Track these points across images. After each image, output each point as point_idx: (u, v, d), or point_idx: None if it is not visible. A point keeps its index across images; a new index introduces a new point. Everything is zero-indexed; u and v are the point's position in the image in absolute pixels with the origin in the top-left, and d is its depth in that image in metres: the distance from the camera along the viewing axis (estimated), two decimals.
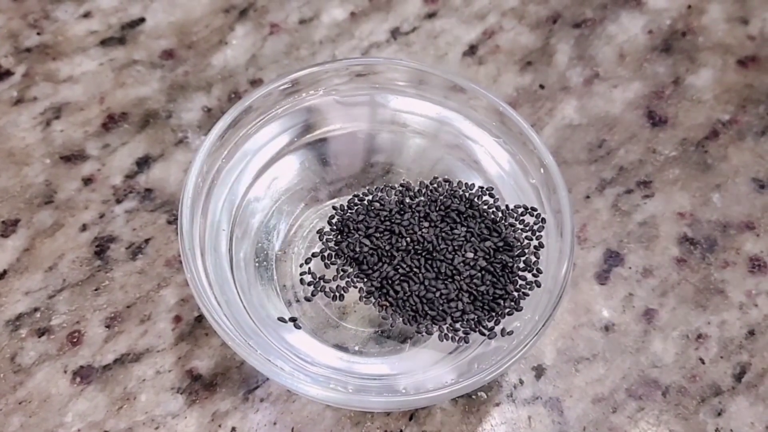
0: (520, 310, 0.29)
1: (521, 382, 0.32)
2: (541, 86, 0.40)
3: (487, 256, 0.30)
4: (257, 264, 0.32)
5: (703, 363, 0.33)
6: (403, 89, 0.33)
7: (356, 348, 0.30)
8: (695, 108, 0.40)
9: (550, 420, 0.31)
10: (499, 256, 0.30)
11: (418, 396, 0.26)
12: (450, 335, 0.29)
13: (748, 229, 0.36)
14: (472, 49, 0.41)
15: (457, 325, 0.29)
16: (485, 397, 0.32)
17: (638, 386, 0.32)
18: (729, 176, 0.38)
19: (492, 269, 0.29)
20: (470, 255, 0.29)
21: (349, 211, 0.31)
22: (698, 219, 0.36)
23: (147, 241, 0.34)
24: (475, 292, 0.29)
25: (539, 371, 0.32)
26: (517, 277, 0.30)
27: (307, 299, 0.31)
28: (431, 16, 0.42)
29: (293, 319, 0.30)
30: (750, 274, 0.35)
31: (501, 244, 0.30)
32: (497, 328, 0.29)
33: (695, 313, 0.34)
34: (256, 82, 0.39)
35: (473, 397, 0.31)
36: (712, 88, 0.40)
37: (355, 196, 0.31)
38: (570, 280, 0.28)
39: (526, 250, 0.30)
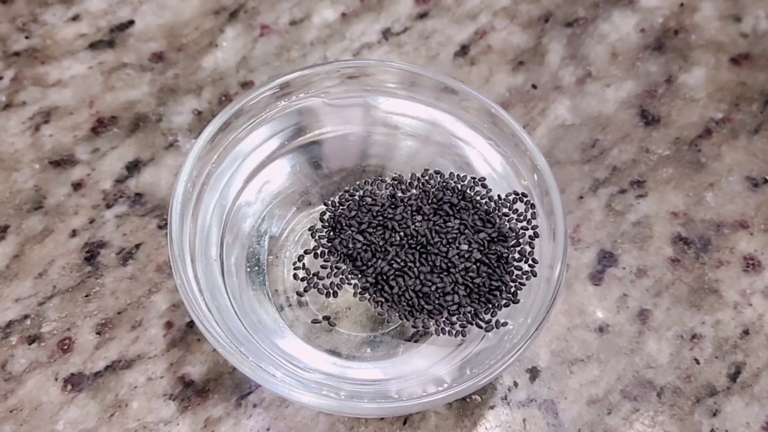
0: (517, 302, 0.29)
1: (516, 384, 0.32)
2: (534, 86, 0.40)
3: (482, 248, 0.29)
4: (248, 269, 0.31)
5: (698, 363, 0.33)
6: (395, 91, 0.33)
7: (349, 353, 0.30)
8: (688, 107, 0.40)
9: (545, 422, 0.31)
10: (494, 247, 0.29)
11: (411, 401, 0.26)
12: (447, 329, 0.29)
13: (742, 227, 0.36)
14: (463, 50, 0.41)
15: (454, 319, 0.29)
16: (479, 400, 0.31)
17: (633, 387, 0.32)
18: (722, 175, 0.37)
19: (487, 261, 0.29)
20: (465, 247, 0.29)
21: (341, 207, 0.30)
22: (692, 218, 0.36)
23: (137, 246, 0.34)
24: (471, 285, 0.29)
25: (534, 373, 0.32)
26: (512, 268, 0.29)
27: (299, 294, 0.31)
28: (423, 16, 0.42)
29: (327, 318, 0.30)
30: (744, 273, 0.35)
31: (495, 234, 0.30)
32: (493, 321, 0.29)
33: (690, 313, 0.34)
34: (246, 85, 0.39)
35: (467, 400, 0.31)
36: (705, 86, 0.40)
37: (346, 191, 0.31)
38: (564, 281, 0.28)
39: (521, 240, 0.30)
